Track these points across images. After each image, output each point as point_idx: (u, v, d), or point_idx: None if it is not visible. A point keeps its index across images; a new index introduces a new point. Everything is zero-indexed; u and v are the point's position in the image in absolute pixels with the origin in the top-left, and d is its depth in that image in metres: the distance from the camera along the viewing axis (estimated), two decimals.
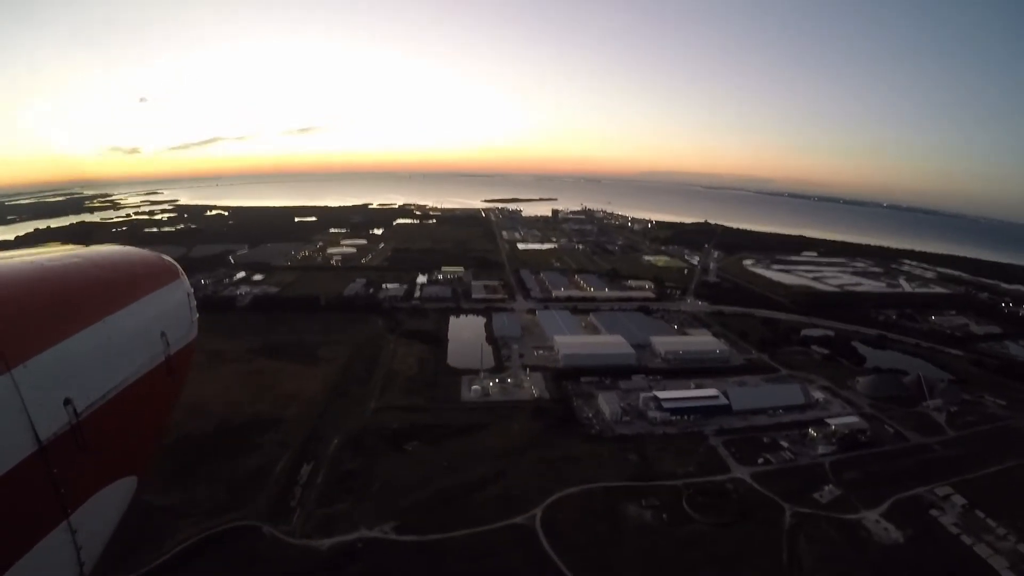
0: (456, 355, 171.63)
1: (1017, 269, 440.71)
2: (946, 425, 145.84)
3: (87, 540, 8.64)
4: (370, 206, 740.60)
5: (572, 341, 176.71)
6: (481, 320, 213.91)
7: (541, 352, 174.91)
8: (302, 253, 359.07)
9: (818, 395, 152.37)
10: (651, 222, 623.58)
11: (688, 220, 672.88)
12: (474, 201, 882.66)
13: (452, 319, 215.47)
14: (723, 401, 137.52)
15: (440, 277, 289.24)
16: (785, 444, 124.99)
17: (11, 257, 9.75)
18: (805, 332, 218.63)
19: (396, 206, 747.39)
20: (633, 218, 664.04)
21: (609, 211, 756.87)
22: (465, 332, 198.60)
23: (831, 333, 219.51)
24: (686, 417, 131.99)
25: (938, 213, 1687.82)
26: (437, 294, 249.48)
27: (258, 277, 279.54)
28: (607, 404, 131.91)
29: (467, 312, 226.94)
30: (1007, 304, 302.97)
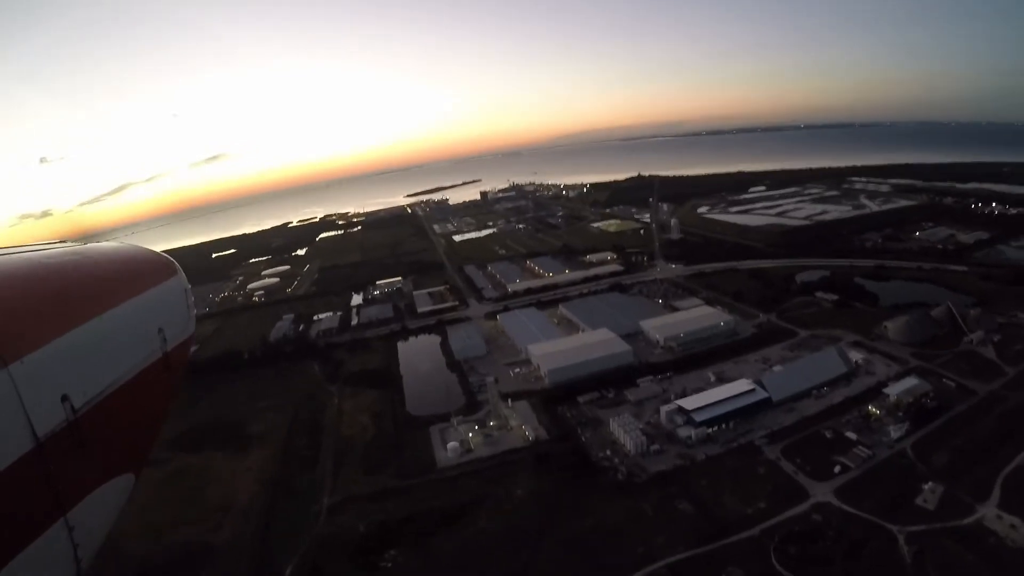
0: (416, 397, 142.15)
1: (962, 167, 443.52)
2: (1000, 361, 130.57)
3: (84, 538, 8.52)
4: (290, 225, 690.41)
5: (552, 350, 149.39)
6: (435, 340, 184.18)
7: (518, 371, 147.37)
8: (221, 295, 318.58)
9: (855, 356, 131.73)
10: (586, 186, 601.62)
11: (621, 176, 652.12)
12: (397, 198, 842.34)
13: (400, 346, 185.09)
14: (761, 394, 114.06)
15: (376, 293, 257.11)
16: (853, 435, 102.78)
17: (8, 253, 9.68)
18: (800, 277, 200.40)
19: (317, 219, 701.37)
20: (565, 185, 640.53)
21: (538, 182, 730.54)
22: (420, 361, 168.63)
23: (827, 273, 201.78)
24: (724, 425, 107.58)
25: (853, 125, 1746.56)
26: (377, 316, 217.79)
27: None
28: (625, 432, 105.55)
29: (416, 332, 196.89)
30: (976, 205, 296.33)
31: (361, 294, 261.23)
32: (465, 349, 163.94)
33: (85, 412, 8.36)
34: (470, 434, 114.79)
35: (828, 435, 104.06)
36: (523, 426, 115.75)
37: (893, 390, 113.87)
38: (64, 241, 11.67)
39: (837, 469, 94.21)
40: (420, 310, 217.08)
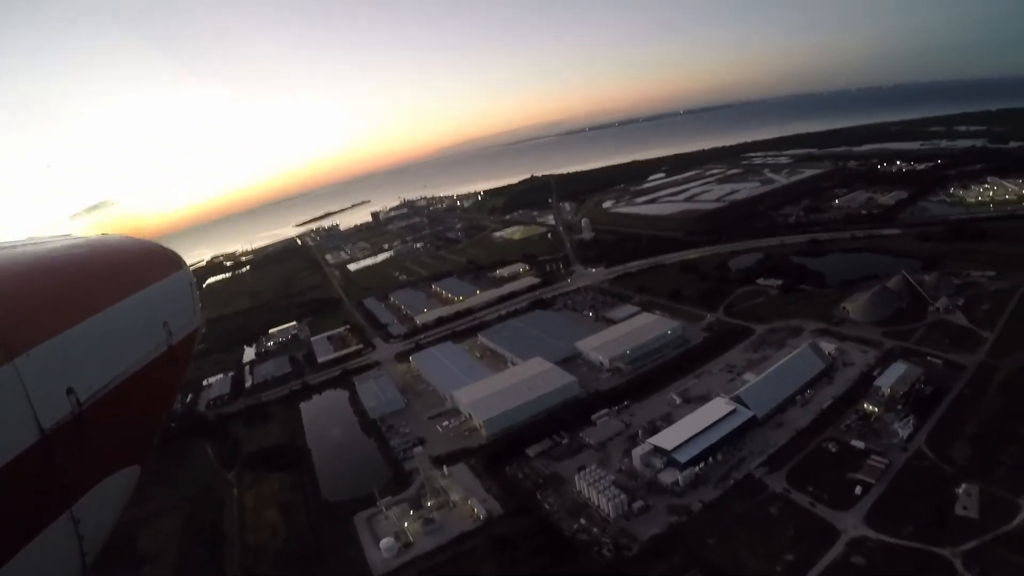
0: (331, 477, 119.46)
1: (850, 132, 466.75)
2: (974, 326, 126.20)
3: (90, 530, 8.52)
4: None
5: (483, 393, 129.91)
6: (342, 396, 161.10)
7: (446, 424, 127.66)
8: None
9: (826, 346, 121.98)
10: (480, 194, 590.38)
11: (514, 180, 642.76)
12: (286, 229, 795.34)
13: (304, 408, 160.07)
14: (744, 413, 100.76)
15: (271, 344, 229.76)
16: (860, 444, 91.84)
17: (14, 247, 9.84)
18: (734, 264, 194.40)
19: (204, 263, 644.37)
20: (459, 195, 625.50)
21: (430, 195, 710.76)
22: (329, 427, 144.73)
23: (760, 256, 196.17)
24: (712, 459, 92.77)
25: (731, 105, 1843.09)
26: (273, 372, 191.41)
27: None
28: (598, 491, 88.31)
29: (319, 388, 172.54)
30: (881, 165, 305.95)
31: (254, 347, 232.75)
32: (379, 405, 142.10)
33: (90, 405, 8.37)
34: (406, 523, 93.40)
35: (833, 448, 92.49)
36: (468, 500, 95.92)
37: (884, 381, 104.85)
38: (69, 235, 11.46)
39: (858, 490, 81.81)
40: (321, 360, 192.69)
